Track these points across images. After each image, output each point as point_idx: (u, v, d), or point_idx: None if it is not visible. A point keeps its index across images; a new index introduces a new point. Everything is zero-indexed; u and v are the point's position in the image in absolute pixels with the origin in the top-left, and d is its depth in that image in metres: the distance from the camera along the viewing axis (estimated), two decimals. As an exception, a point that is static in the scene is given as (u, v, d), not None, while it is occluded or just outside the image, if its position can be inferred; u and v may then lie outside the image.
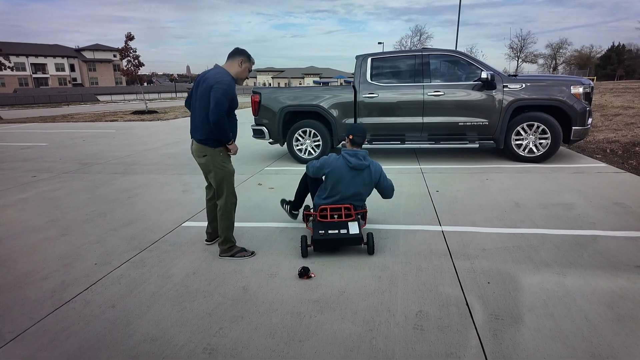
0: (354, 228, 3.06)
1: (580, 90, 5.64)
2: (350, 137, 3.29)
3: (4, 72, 37.42)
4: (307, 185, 3.59)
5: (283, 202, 3.79)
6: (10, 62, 31.85)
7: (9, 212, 4.48)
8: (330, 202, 3.26)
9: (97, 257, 3.20)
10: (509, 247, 3.11)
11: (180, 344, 2.08)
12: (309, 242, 3.13)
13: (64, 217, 4.24)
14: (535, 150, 5.91)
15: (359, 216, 3.27)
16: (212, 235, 3.38)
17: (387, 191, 3.43)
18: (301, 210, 3.73)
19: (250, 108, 6.70)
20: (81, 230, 3.82)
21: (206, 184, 3.35)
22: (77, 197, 5.00)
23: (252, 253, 3.16)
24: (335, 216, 3.18)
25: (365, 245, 3.10)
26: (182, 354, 2.01)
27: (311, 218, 3.34)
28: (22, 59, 60.06)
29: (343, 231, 3.04)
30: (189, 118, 3.08)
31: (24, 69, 61.14)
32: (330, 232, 3.04)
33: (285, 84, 68.65)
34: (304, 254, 3.06)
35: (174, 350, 2.04)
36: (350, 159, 3.19)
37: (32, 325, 2.30)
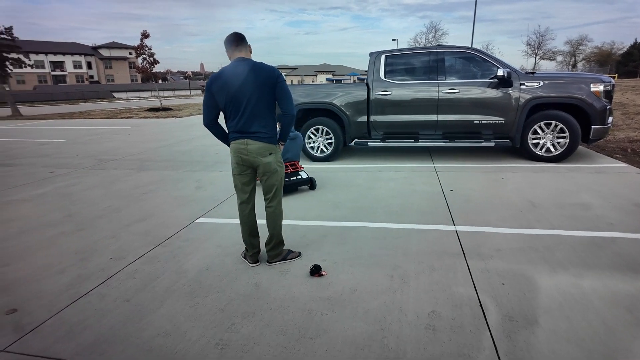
0: (304, 174, 4.86)
1: (601, 88, 5.49)
2: None
3: (24, 70, 38.37)
4: None
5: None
6: (30, 60, 32.67)
7: (27, 206, 4.59)
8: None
9: (112, 252, 3.26)
10: (524, 247, 3.06)
11: (193, 339, 2.11)
12: None
13: (80, 212, 4.33)
14: (552, 149, 5.78)
15: (303, 168, 4.97)
16: (257, 254, 2.98)
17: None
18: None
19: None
20: (97, 226, 3.89)
21: (244, 196, 2.86)
22: (92, 193, 5.09)
23: (299, 254, 3.07)
24: (291, 168, 4.78)
25: (311, 187, 4.89)
26: (194, 348, 2.04)
27: None
28: (41, 57, 61.33)
29: (299, 177, 4.79)
30: (229, 117, 2.70)
31: (43, 67, 62.40)
32: (291, 178, 4.72)
33: (299, 81, 68.75)
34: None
35: (187, 345, 2.06)
36: None
37: (50, 317, 2.35)
